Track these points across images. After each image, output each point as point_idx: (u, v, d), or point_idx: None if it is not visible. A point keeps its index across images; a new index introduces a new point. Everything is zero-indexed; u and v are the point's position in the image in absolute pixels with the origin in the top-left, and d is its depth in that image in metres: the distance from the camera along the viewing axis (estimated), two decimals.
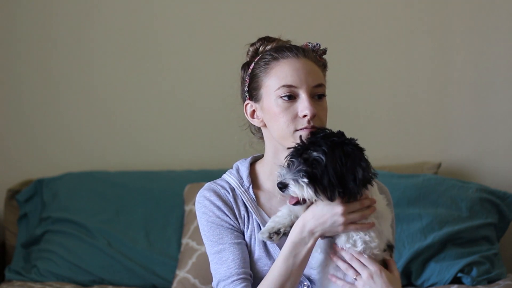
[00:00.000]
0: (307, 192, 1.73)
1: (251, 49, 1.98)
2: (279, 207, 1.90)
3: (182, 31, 3.50)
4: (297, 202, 1.78)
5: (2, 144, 3.59)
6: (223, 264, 1.88)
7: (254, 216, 1.92)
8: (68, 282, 3.14)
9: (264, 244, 1.90)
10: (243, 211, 1.93)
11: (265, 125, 1.93)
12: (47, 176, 3.44)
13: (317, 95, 1.88)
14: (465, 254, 2.97)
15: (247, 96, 1.96)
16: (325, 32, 3.46)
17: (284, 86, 1.86)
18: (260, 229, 1.89)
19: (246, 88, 1.96)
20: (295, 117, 1.86)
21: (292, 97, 1.86)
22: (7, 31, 3.55)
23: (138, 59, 3.54)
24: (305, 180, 1.73)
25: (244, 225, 1.92)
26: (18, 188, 3.43)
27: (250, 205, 1.93)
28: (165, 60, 3.52)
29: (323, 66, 1.97)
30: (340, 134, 1.79)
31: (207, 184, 1.97)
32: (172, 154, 3.52)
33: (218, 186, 1.95)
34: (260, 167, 1.99)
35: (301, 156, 1.75)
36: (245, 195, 1.94)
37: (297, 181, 1.73)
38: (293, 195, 1.75)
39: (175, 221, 3.22)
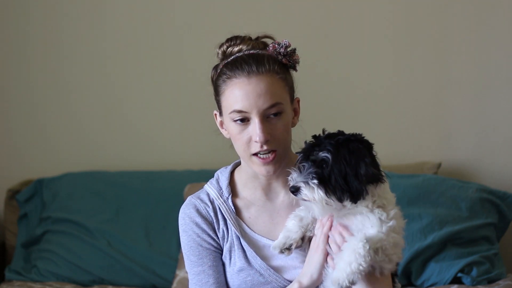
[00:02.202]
0: (318, 194, 1.72)
1: (219, 51, 1.92)
2: (258, 215, 1.92)
3: (183, 32, 3.50)
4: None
5: (2, 144, 3.59)
6: (202, 287, 1.90)
7: (232, 228, 1.91)
8: (68, 282, 3.14)
9: (245, 255, 1.90)
10: (222, 225, 1.92)
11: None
12: (47, 176, 3.44)
13: (273, 114, 1.83)
14: (465, 254, 2.97)
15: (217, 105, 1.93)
16: (325, 32, 3.46)
17: (234, 111, 1.82)
18: (239, 241, 1.90)
19: (214, 95, 1.92)
20: (249, 140, 1.83)
21: (244, 120, 1.83)
22: (11, 33, 3.55)
23: (138, 59, 3.54)
24: (315, 181, 1.72)
25: (224, 239, 1.92)
26: (18, 188, 3.43)
27: (229, 217, 1.92)
28: (165, 60, 3.52)
29: (292, 66, 1.90)
30: (341, 132, 1.78)
31: (189, 199, 1.97)
32: (172, 154, 3.52)
33: (198, 200, 1.95)
34: (238, 174, 1.98)
35: (309, 158, 1.75)
36: (224, 206, 1.93)
37: (308, 183, 1.72)
38: (305, 198, 1.74)
39: (175, 221, 3.20)
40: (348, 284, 1.68)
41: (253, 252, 1.89)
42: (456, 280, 2.94)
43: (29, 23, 3.54)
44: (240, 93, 1.82)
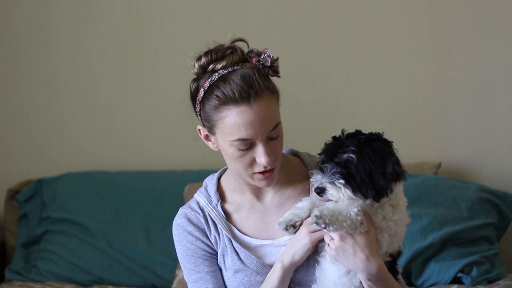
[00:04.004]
0: (344, 193, 1.73)
1: (196, 64, 1.85)
2: (249, 216, 1.92)
3: (182, 31, 3.50)
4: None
5: (2, 144, 3.59)
6: None
7: (224, 232, 1.91)
8: (68, 282, 3.15)
9: (238, 257, 1.90)
10: (213, 231, 1.92)
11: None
12: (47, 176, 3.44)
13: (273, 136, 1.82)
14: (465, 254, 2.97)
15: (200, 119, 1.89)
16: (325, 32, 3.46)
17: (239, 140, 1.78)
18: (232, 244, 1.90)
19: (198, 112, 1.88)
20: (252, 162, 1.81)
21: (248, 146, 1.80)
22: (7, 32, 3.55)
23: (138, 59, 3.54)
24: (342, 181, 1.73)
25: (217, 244, 1.92)
26: (18, 188, 3.43)
27: (219, 222, 1.92)
28: (164, 60, 3.52)
29: (276, 75, 1.85)
30: (360, 132, 1.79)
31: (180, 210, 1.97)
32: (172, 154, 3.52)
33: (189, 210, 1.95)
34: (225, 180, 1.98)
35: (332, 160, 1.75)
36: (214, 212, 1.93)
37: (334, 184, 1.74)
38: (331, 198, 1.75)
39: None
40: (326, 221, 1.70)
41: (247, 253, 1.89)
42: (456, 280, 2.94)
43: (29, 23, 3.54)
44: (243, 122, 1.77)
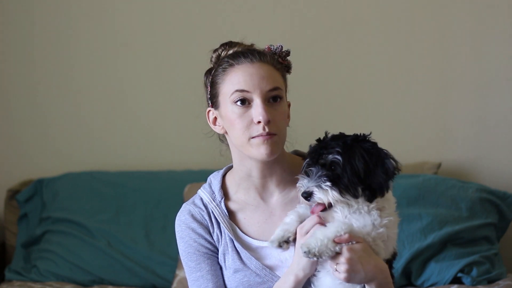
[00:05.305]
0: (332, 195, 1.72)
1: (213, 55, 1.96)
2: (252, 216, 1.92)
3: (181, 31, 3.50)
4: (324, 209, 1.76)
5: (2, 144, 3.59)
6: None
7: (226, 231, 1.92)
8: (68, 282, 3.15)
9: (239, 257, 1.90)
10: (216, 229, 1.93)
11: (226, 132, 1.92)
12: (47, 176, 3.44)
13: (272, 98, 1.85)
14: (465, 254, 2.97)
15: (209, 103, 1.95)
16: (325, 32, 3.46)
17: (236, 91, 1.84)
18: (233, 243, 1.90)
19: (208, 95, 1.95)
20: (250, 123, 1.83)
21: (245, 102, 1.84)
22: (5, 33, 3.55)
23: (138, 59, 3.54)
24: (328, 183, 1.72)
25: (219, 242, 1.93)
26: (18, 188, 3.43)
27: (222, 220, 1.92)
28: (164, 59, 3.52)
29: (286, 68, 1.93)
30: (344, 134, 1.78)
31: (183, 205, 1.98)
32: (172, 154, 3.53)
33: (193, 206, 1.96)
34: (230, 177, 1.98)
35: (317, 162, 1.74)
36: (217, 210, 1.93)
37: (321, 187, 1.72)
38: (319, 201, 1.74)
39: (175, 221, 3.22)
40: (316, 253, 1.69)
41: (248, 253, 1.89)
42: (456, 280, 2.94)
43: (31, 22, 3.54)
44: (243, 74, 1.85)
